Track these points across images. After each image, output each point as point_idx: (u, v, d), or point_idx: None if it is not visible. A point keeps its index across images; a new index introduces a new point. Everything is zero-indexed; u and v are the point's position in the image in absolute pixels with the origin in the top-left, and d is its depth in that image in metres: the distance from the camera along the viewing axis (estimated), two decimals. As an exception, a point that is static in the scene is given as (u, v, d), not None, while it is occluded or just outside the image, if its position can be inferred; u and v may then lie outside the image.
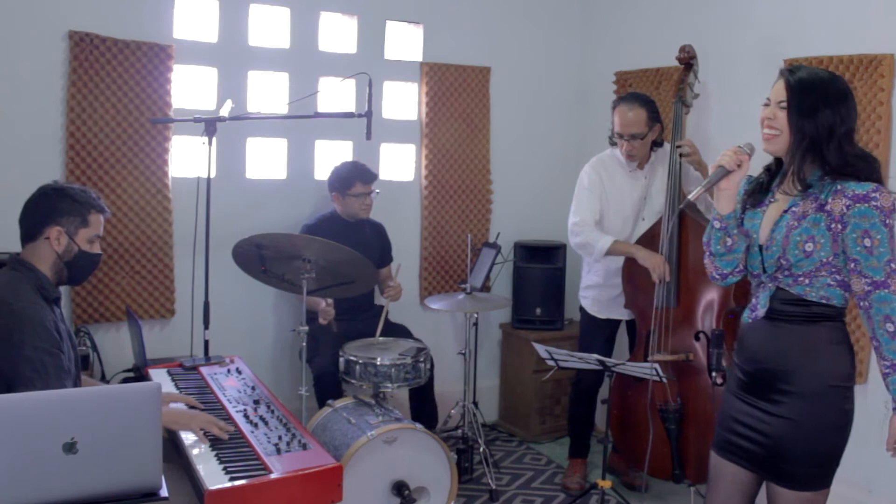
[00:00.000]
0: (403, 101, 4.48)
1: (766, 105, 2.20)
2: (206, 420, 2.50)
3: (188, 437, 2.44)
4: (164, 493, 1.93)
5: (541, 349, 3.35)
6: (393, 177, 4.46)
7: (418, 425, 3.18)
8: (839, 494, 3.39)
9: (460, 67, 4.52)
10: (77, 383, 2.52)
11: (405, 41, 4.46)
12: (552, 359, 3.34)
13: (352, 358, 3.46)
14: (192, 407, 2.68)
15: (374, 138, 3.58)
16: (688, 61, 3.55)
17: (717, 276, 2.36)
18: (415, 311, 4.47)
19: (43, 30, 3.53)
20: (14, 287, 2.37)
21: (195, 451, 2.36)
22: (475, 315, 4.18)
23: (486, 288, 4.48)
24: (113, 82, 3.65)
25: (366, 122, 3.41)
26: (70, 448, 1.83)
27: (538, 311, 4.55)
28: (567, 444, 4.07)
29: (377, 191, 4.01)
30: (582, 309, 3.94)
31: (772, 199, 2.25)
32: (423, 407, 3.96)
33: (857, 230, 2.09)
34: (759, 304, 2.25)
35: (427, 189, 4.52)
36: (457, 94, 4.52)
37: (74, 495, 1.84)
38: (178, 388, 2.89)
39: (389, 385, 3.42)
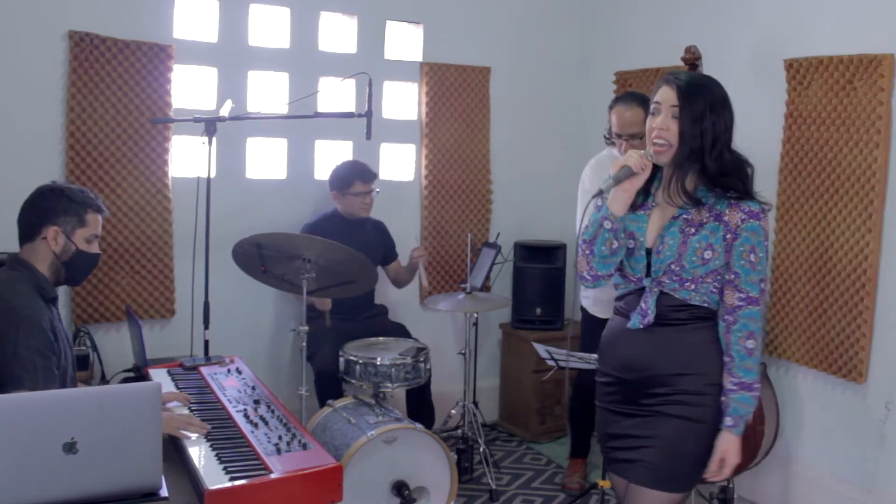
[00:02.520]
0: (403, 101, 4.48)
1: (655, 113, 2.16)
2: (182, 422, 2.47)
3: (188, 437, 2.43)
4: (164, 493, 1.94)
5: (541, 349, 3.35)
6: (393, 177, 4.46)
7: (418, 425, 3.18)
8: (839, 494, 3.40)
9: (460, 67, 4.52)
10: (73, 383, 2.52)
11: (405, 41, 4.46)
12: (552, 359, 3.34)
13: (352, 358, 3.46)
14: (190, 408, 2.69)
15: (374, 138, 3.58)
16: (693, 62, 3.54)
17: (589, 277, 2.22)
18: (415, 311, 4.47)
19: (43, 30, 3.53)
20: (12, 286, 2.38)
21: (195, 451, 2.35)
22: (475, 315, 4.18)
23: (486, 288, 4.48)
24: (113, 82, 3.65)
25: (366, 122, 3.41)
26: (70, 448, 1.83)
27: (538, 311, 4.54)
28: (567, 444, 4.07)
29: (377, 190, 4.01)
30: (583, 309, 3.93)
31: (653, 204, 2.23)
32: (421, 408, 3.96)
33: (746, 244, 2.12)
34: (650, 310, 2.19)
35: (427, 189, 4.51)
36: (457, 94, 4.52)
37: (74, 495, 1.84)
38: (178, 388, 2.89)
39: (389, 385, 3.42)
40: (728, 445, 2.15)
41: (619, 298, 2.30)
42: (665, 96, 2.14)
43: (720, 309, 2.19)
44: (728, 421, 2.14)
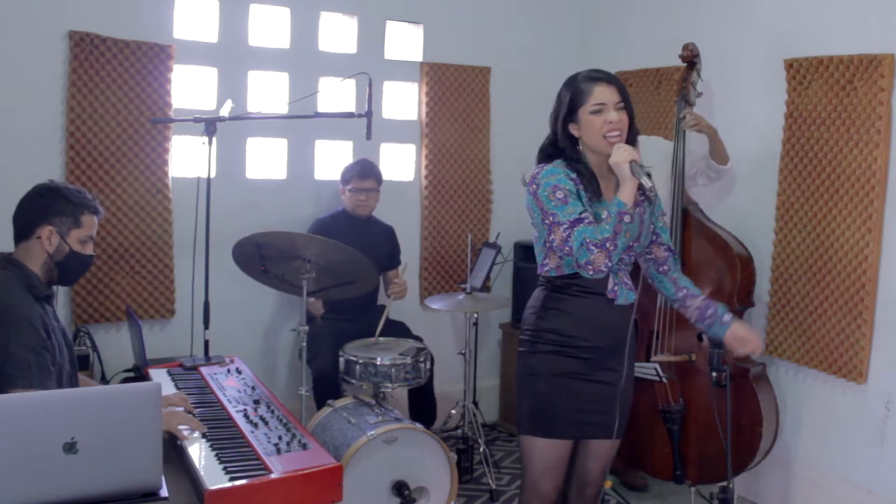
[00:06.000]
0: (403, 101, 4.48)
1: (600, 111, 2.36)
2: (185, 418, 2.49)
3: (184, 437, 2.43)
4: (164, 493, 1.93)
5: None
6: (393, 177, 4.46)
7: (418, 425, 3.18)
8: (839, 494, 3.40)
9: (460, 67, 4.52)
10: (73, 382, 2.51)
11: (405, 41, 4.46)
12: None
13: (352, 358, 3.46)
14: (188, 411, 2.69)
15: (374, 138, 3.58)
16: (691, 60, 3.54)
17: (606, 269, 2.33)
18: (415, 311, 4.47)
19: (43, 30, 3.53)
20: (3, 285, 2.37)
21: (195, 451, 2.35)
22: (475, 315, 4.18)
23: (486, 288, 4.48)
24: (113, 82, 3.65)
25: (366, 122, 3.41)
26: (70, 448, 1.83)
27: (538, 311, 4.54)
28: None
29: (377, 190, 4.01)
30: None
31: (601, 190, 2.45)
32: (423, 405, 3.97)
33: (658, 211, 2.53)
34: (629, 286, 2.46)
35: (427, 189, 4.51)
36: (457, 94, 4.52)
37: (74, 495, 1.84)
38: (178, 388, 2.88)
39: (389, 385, 3.42)
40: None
41: (570, 278, 2.43)
42: (608, 94, 2.39)
43: (649, 266, 2.58)
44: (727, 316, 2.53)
